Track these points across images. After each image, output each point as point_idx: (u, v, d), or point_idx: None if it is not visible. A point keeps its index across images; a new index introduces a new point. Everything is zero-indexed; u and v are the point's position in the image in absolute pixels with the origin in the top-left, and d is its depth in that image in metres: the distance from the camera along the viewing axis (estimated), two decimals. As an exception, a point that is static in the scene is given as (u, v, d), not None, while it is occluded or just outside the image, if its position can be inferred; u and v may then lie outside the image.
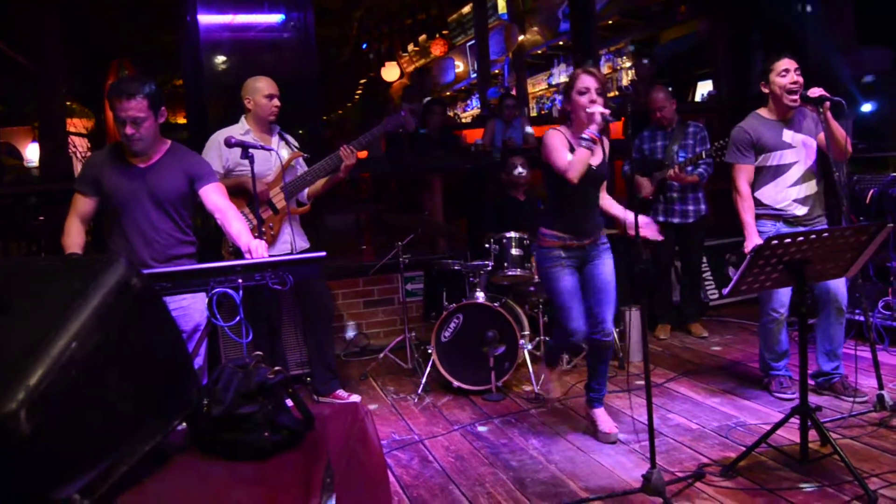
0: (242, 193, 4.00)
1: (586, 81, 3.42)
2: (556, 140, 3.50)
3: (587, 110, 3.39)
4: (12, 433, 1.28)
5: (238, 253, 3.34)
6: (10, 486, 1.33)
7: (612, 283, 3.65)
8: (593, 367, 3.79)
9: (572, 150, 3.46)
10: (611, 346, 3.71)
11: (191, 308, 3.33)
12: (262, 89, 4.12)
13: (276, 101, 4.15)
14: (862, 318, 4.30)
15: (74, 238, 3.36)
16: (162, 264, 3.30)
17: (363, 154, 8.70)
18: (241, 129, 4.11)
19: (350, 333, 5.70)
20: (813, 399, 3.37)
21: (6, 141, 10.29)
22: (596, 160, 3.52)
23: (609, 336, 3.67)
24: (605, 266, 3.66)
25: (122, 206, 3.33)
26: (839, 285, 3.91)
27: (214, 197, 3.41)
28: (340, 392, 4.44)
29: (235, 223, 3.30)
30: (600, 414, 3.79)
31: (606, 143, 3.63)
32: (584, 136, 3.37)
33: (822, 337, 4.04)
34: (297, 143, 4.32)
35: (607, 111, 3.37)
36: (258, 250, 3.04)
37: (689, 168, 5.19)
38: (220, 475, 1.66)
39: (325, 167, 4.19)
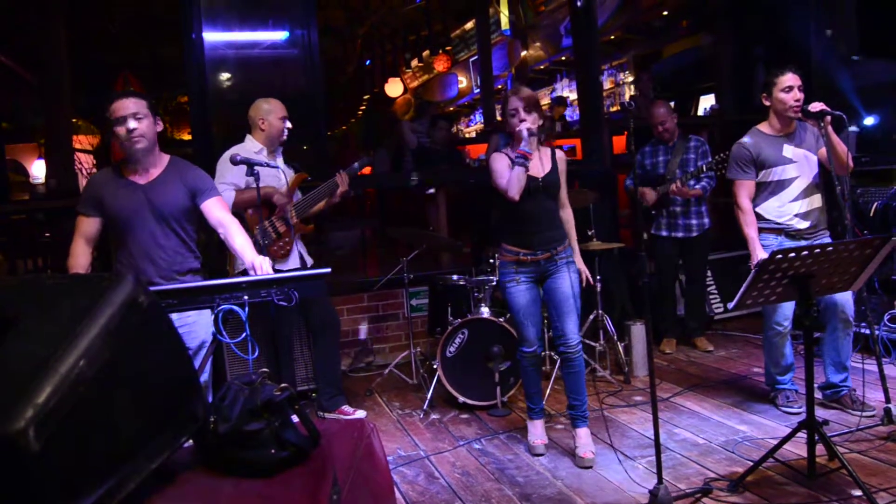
0: (265, 205, 4.07)
1: (513, 103, 3.64)
2: (498, 163, 3.66)
3: (516, 129, 3.58)
4: (21, 450, 1.29)
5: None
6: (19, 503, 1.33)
7: (571, 296, 3.66)
8: (565, 380, 3.78)
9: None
10: (576, 356, 3.69)
11: (196, 325, 3.32)
12: (275, 111, 4.23)
13: (288, 123, 4.27)
14: (868, 332, 4.29)
15: (80, 259, 3.34)
16: (168, 282, 3.29)
17: (367, 170, 8.77)
18: (254, 147, 4.17)
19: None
20: (820, 413, 3.36)
21: (12, 157, 10.33)
22: (539, 172, 3.64)
23: (573, 347, 3.67)
24: (565, 280, 3.67)
25: (125, 224, 3.32)
26: (846, 297, 3.90)
27: (217, 211, 3.39)
28: (346, 408, 4.44)
29: (239, 238, 3.29)
30: (581, 435, 3.72)
31: (561, 154, 3.77)
32: (515, 156, 3.54)
33: (829, 349, 4.03)
34: (296, 165, 4.46)
35: (533, 126, 3.57)
36: (262, 267, 3.04)
37: (692, 182, 5.20)
38: (226, 492, 1.66)
39: (325, 190, 4.35)
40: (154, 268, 3.32)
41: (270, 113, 4.20)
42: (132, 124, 3.21)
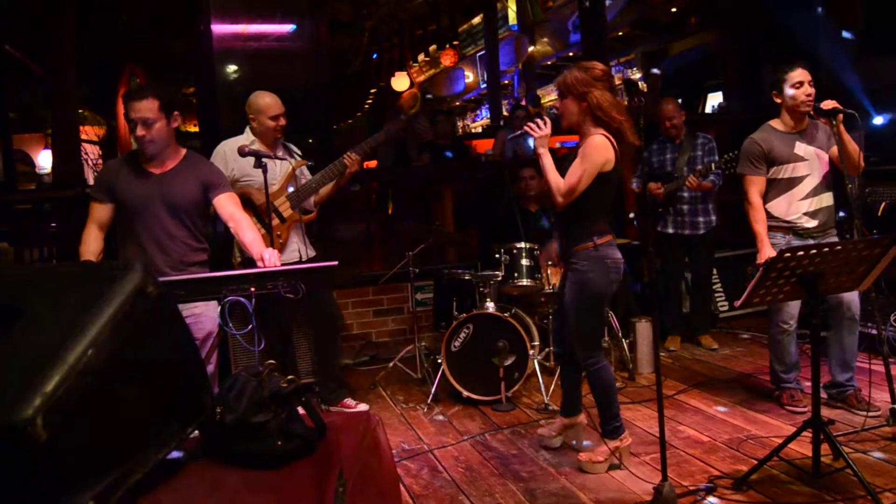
0: (247, 204, 3.99)
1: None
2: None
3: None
4: (29, 439, 1.28)
5: (248, 262, 3.35)
6: (25, 493, 1.33)
7: (570, 307, 3.45)
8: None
9: None
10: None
11: (203, 316, 3.34)
12: (265, 111, 4.09)
13: (281, 121, 4.12)
14: (874, 332, 4.28)
15: (91, 245, 3.37)
16: (175, 272, 3.31)
17: (372, 163, 8.76)
18: (247, 140, 4.11)
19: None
20: (825, 412, 3.35)
21: (18, 148, 10.34)
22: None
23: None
24: (568, 291, 3.47)
25: (136, 212, 3.34)
26: (852, 295, 3.89)
27: (229, 206, 3.43)
28: (348, 401, 4.43)
29: (249, 232, 3.32)
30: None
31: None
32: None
33: (835, 347, 4.01)
34: (300, 153, 4.34)
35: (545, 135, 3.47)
36: (271, 259, 3.05)
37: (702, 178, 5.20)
38: (232, 483, 1.65)
39: (330, 174, 4.22)
40: (164, 257, 3.34)
41: (261, 113, 4.08)
42: (141, 132, 3.23)
